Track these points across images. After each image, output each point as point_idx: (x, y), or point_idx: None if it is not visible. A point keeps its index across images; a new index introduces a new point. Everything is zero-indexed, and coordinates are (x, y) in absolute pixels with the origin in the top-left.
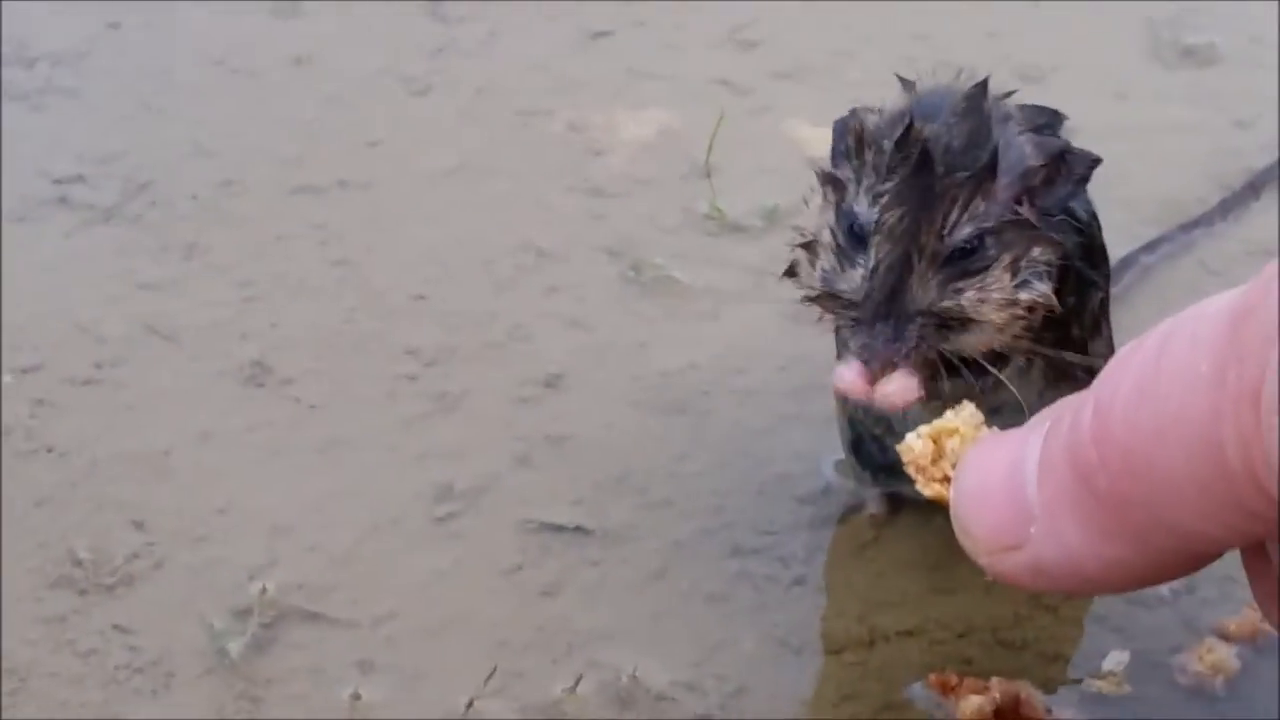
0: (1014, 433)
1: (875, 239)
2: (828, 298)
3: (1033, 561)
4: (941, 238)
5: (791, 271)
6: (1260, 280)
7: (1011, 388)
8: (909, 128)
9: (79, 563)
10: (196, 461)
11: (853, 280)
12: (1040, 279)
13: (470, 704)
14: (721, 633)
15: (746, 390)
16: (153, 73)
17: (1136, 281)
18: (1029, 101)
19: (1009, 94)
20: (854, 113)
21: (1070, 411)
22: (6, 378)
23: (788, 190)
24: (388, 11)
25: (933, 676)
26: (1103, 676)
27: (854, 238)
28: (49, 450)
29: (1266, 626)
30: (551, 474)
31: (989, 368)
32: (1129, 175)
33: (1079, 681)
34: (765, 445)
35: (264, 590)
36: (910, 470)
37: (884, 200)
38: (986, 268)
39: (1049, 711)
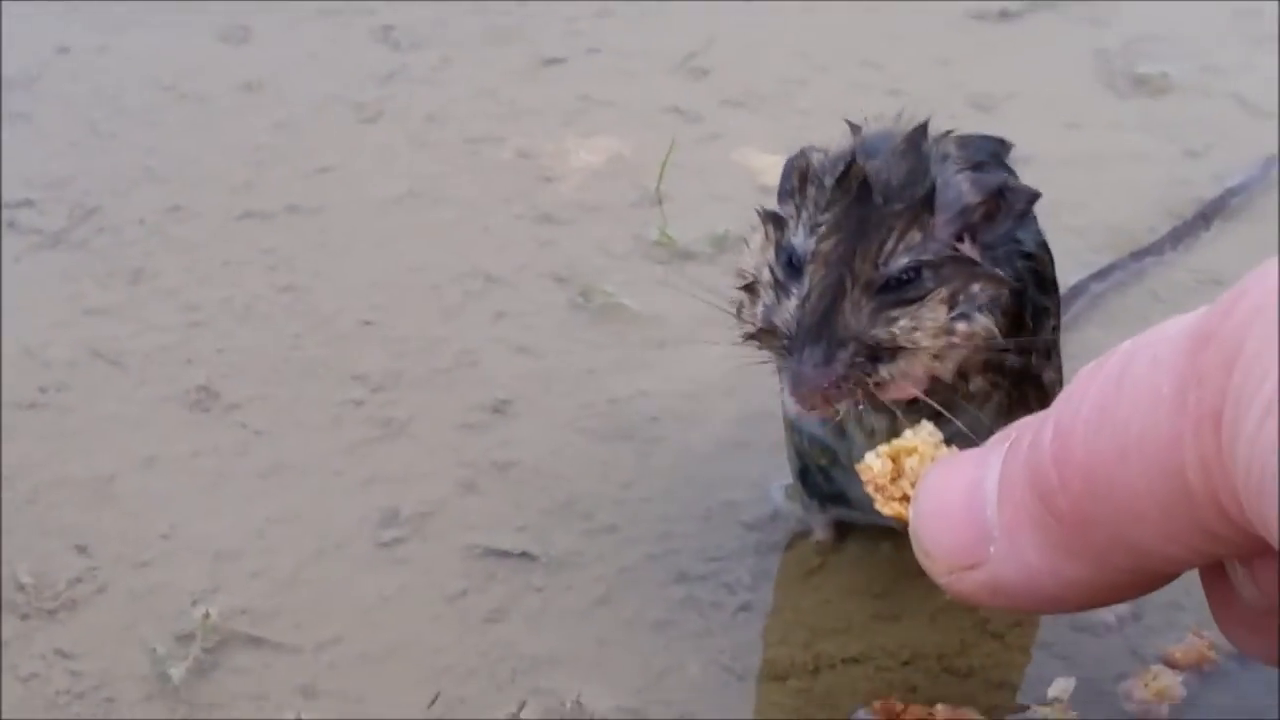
0: (973, 452)
1: (810, 266)
2: (765, 333)
3: (992, 580)
4: (876, 266)
5: (738, 313)
6: (1220, 305)
7: (956, 418)
8: (850, 163)
9: (21, 587)
10: (141, 486)
11: (788, 310)
12: (981, 312)
13: None
14: (667, 659)
15: (694, 417)
16: (103, 98)
17: (1086, 309)
18: (980, 129)
19: (948, 133)
20: (802, 152)
21: (1030, 431)
22: None
23: (738, 217)
24: (338, 37)
25: (877, 704)
26: (1049, 704)
27: (791, 270)
28: None
29: (1212, 654)
30: (498, 500)
31: (933, 403)
32: (1080, 203)
33: (1025, 709)
34: (713, 471)
35: (207, 615)
36: (869, 489)
37: (821, 230)
38: (922, 298)
39: None
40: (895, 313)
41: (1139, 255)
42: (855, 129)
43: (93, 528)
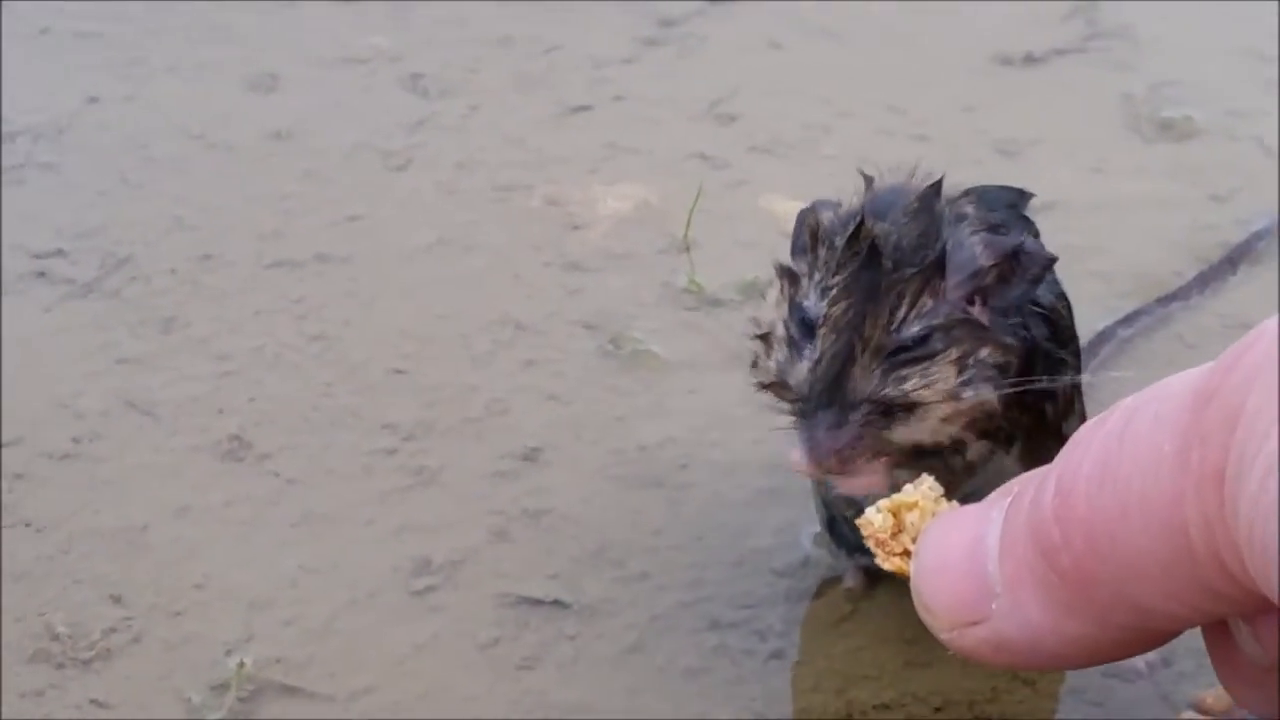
0: (974, 508)
1: (821, 330)
2: (779, 387)
3: (994, 637)
4: (888, 331)
5: (754, 361)
6: (1223, 362)
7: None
8: (859, 225)
9: (56, 637)
10: (174, 536)
11: (800, 372)
12: (985, 382)
13: None
14: (699, 707)
15: (724, 464)
16: (132, 147)
17: (1113, 355)
18: (1005, 175)
19: (966, 193)
20: (813, 207)
21: (1031, 488)
22: None
23: (765, 264)
24: (366, 86)
25: None
26: None
27: (805, 329)
28: (26, 525)
29: None
30: (529, 548)
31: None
32: (1106, 248)
33: None
34: (743, 518)
35: (241, 665)
36: (870, 544)
37: (831, 294)
38: (931, 358)
39: None
40: (905, 371)
41: (1165, 300)
42: (869, 182)
43: (127, 577)
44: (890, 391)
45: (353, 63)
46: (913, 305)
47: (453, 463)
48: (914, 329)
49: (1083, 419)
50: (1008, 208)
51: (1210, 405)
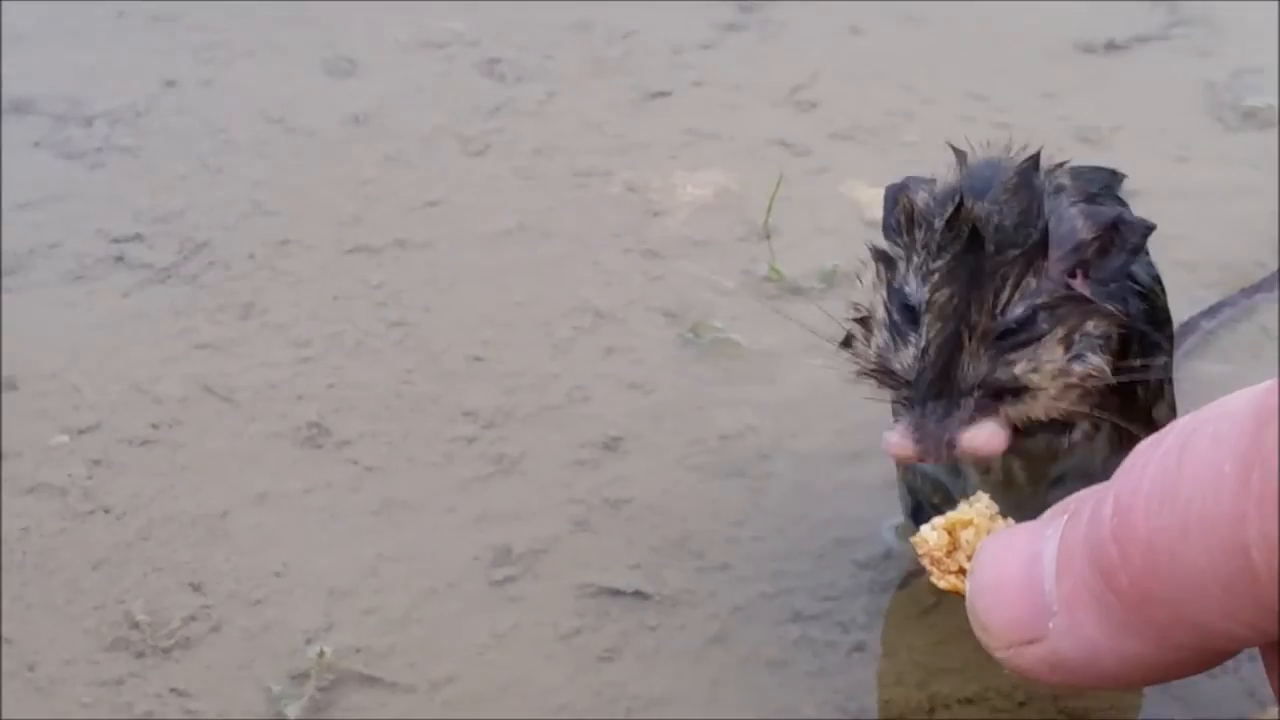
0: (1030, 525)
1: (926, 318)
2: (882, 373)
3: (1051, 656)
4: (994, 316)
5: (847, 343)
6: None
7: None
8: (959, 207)
9: (136, 625)
10: (254, 523)
11: (906, 359)
12: (1095, 352)
13: None
14: (781, 699)
15: (805, 454)
16: (210, 131)
17: (1197, 347)
18: (1087, 163)
19: (1061, 164)
20: (905, 184)
21: (1088, 506)
22: (63, 438)
23: (846, 252)
24: (444, 70)
25: None
26: None
27: (907, 313)
28: (106, 511)
29: None
30: (610, 537)
31: (1058, 434)
32: (1189, 238)
33: None
34: (825, 509)
35: (321, 654)
36: (925, 562)
37: (934, 279)
38: (1039, 339)
39: None
40: (1013, 355)
41: (1249, 291)
42: (961, 157)
43: (206, 565)
44: (1000, 375)
45: (430, 47)
46: (1016, 287)
47: (533, 451)
48: (1019, 310)
49: (1172, 408)
50: (1103, 188)
51: (1270, 426)
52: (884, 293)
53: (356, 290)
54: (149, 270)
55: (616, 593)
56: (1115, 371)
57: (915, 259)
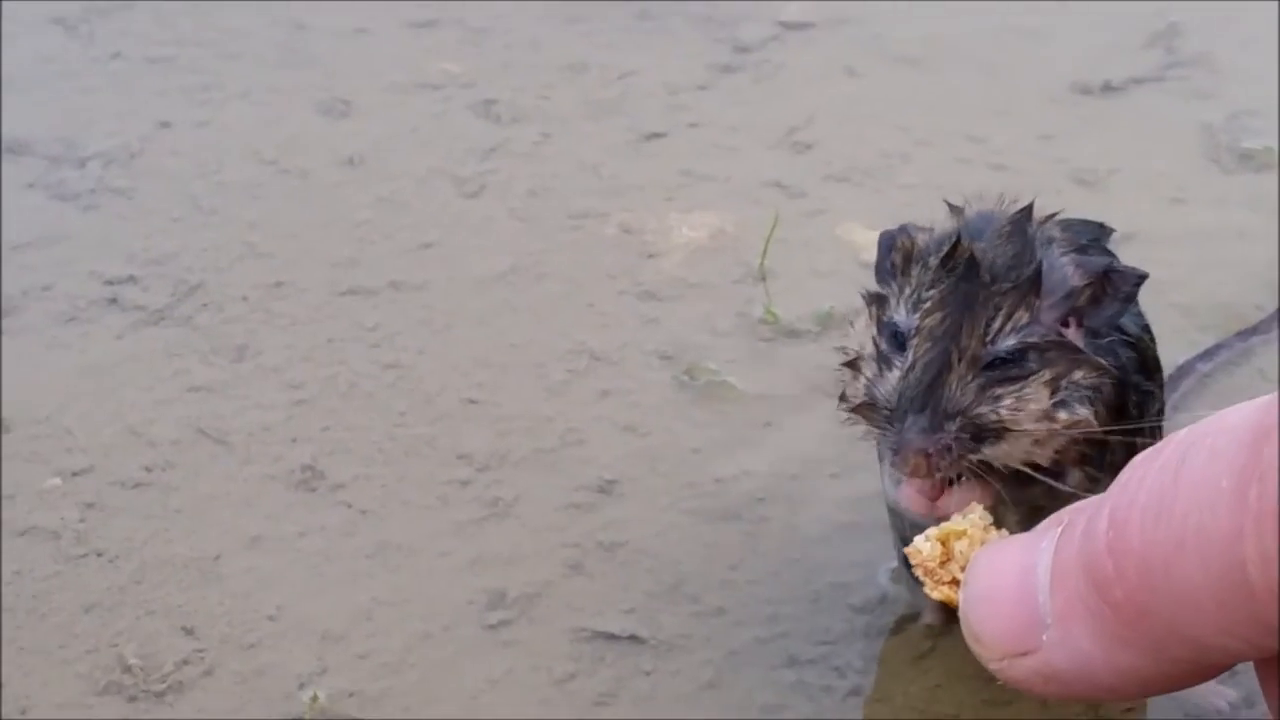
0: (1023, 537)
1: (914, 340)
2: (867, 407)
3: (1044, 668)
4: (984, 342)
5: (844, 398)
6: None
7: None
8: (956, 243)
9: (128, 669)
10: (247, 567)
11: (889, 382)
12: (1083, 404)
13: None
14: None
15: (801, 498)
16: (204, 172)
17: (1194, 390)
18: (1084, 206)
19: (1051, 216)
20: (904, 229)
21: (1083, 519)
22: (56, 480)
23: (842, 294)
24: (440, 112)
25: None
26: None
27: (895, 343)
28: (99, 554)
29: None
30: (604, 581)
31: (1052, 482)
32: (1185, 281)
33: None
34: (820, 553)
35: (315, 698)
36: (918, 573)
37: (926, 305)
38: (1026, 378)
39: None
40: (999, 390)
41: (1245, 334)
42: (957, 210)
43: (199, 608)
44: (984, 410)
45: (425, 88)
46: (1009, 317)
47: (527, 494)
48: (1010, 341)
49: None
50: (1092, 241)
51: (1270, 441)
52: (875, 330)
53: (351, 332)
54: (142, 312)
55: (611, 637)
56: (1113, 422)
57: (908, 291)
